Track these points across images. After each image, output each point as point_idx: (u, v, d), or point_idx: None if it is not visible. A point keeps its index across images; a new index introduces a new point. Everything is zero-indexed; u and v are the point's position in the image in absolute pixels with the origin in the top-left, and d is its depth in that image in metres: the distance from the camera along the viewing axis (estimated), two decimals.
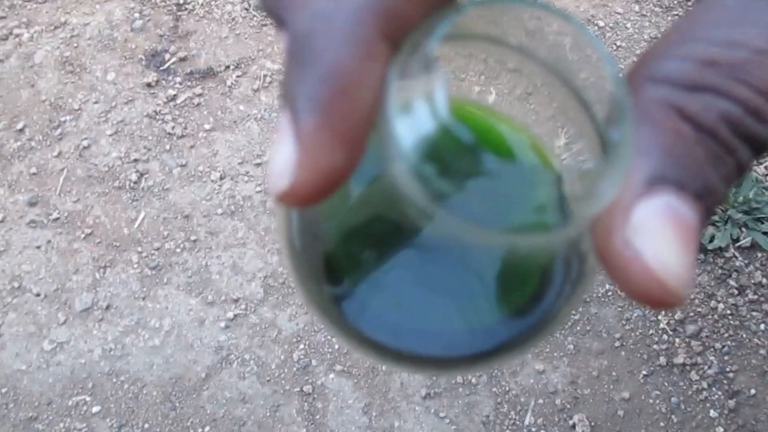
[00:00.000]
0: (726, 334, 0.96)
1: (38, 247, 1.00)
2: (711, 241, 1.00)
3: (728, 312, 0.98)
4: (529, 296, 0.16)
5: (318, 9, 0.12)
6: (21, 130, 1.07)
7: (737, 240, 1.01)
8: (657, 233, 0.13)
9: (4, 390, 0.92)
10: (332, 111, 0.12)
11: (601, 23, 1.15)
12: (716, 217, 1.01)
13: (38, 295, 0.97)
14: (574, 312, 0.17)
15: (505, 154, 0.16)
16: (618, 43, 1.16)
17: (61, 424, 0.90)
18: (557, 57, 0.14)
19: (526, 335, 0.16)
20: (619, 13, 1.16)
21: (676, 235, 0.13)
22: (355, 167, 0.12)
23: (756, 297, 0.98)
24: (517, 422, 0.91)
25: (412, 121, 0.12)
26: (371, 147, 0.13)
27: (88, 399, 0.91)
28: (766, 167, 1.05)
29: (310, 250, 0.16)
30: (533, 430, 0.91)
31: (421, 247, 0.14)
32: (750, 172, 1.02)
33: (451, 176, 0.12)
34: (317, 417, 0.91)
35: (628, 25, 1.15)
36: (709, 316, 0.97)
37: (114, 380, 0.92)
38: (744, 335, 0.96)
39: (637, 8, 1.16)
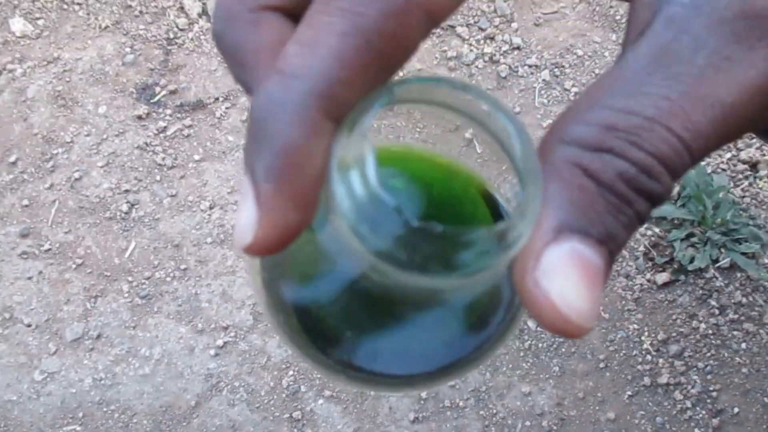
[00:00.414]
0: (708, 354, 0.98)
1: (30, 278, 1.01)
2: (691, 262, 1.02)
3: (710, 332, 0.99)
4: (467, 326, 0.19)
5: (272, 94, 0.14)
6: (14, 163, 1.09)
7: (717, 261, 1.03)
8: (561, 274, 0.15)
9: None
10: (285, 180, 0.15)
11: (580, 52, 1.19)
12: (695, 239, 1.03)
13: (29, 325, 0.98)
14: (509, 339, 0.19)
15: (440, 203, 0.19)
16: (597, 71, 1.19)
17: None
18: (484, 122, 0.16)
19: (467, 358, 0.19)
20: (597, 42, 1.20)
21: (579, 275, 0.15)
22: (308, 223, 0.15)
23: (737, 316, 1.00)
24: None
25: (349, 187, 0.14)
26: (325, 201, 0.16)
27: (78, 429, 0.92)
28: (742, 189, 1.08)
29: (275, 286, 0.19)
30: None
31: (368, 285, 0.17)
32: (727, 195, 1.05)
33: (383, 232, 0.14)
34: None
35: (606, 54, 1.19)
36: (692, 336, 0.99)
37: (104, 409, 0.93)
38: (726, 354, 0.98)
39: (614, 37, 1.20)
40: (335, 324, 0.18)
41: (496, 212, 0.19)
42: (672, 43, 0.16)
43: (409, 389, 0.19)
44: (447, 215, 0.19)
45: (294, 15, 0.17)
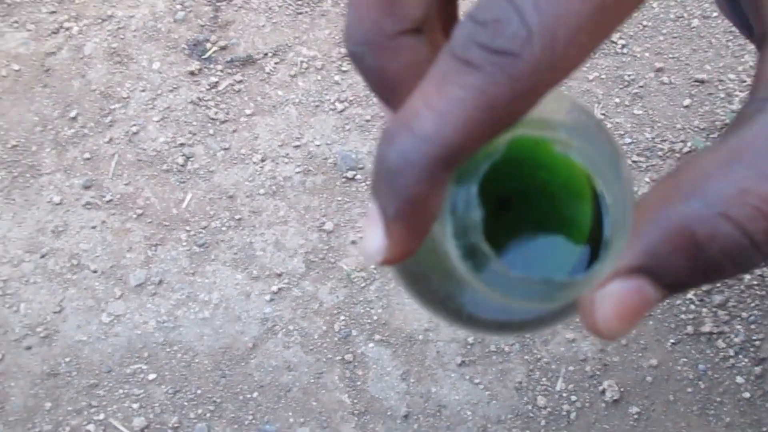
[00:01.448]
0: (752, 304, 0.99)
1: (94, 227, 1.07)
2: None
3: (755, 282, 1.00)
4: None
5: (404, 151, 0.17)
6: (74, 118, 1.14)
7: None
8: (616, 304, 0.18)
9: (67, 359, 0.99)
10: (410, 221, 0.18)
11: None
12: None
13: (95, 271, 1.04)
14: None
15: (541, 222, 0.22)
16: (644, 23, 1.18)
17: (120, 391, 0.97)
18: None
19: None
20: None
21: (631, 309, 0.18)
22: (420, 245, 0.19)
23: None
24: (549, 388, 0.95)
25: (459, 245, 0.19)
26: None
27: (144, 367, 0.98)
28: None
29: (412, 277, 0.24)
30: (564, 395, 0.95)
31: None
32: None
33: (483, 273, 0.19)
34: (358, 383, 0.96)
35: (654, 5, 1.17)
36: (736, 287, 1.00)
37: (168, 350, 0.99)
38: None
39: None
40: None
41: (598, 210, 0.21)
42: None
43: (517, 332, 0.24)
44: (551, 219, 0.22)
45: (420, 30, 0.20)
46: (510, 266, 0.18)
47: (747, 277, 1.00)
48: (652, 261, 0.17)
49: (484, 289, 0.19)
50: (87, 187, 1.09)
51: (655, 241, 0.17)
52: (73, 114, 1.14)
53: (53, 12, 1.22)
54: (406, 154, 0.17)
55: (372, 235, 0.19)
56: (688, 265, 0.17)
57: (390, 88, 0.20)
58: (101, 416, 0.96)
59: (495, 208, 0.21)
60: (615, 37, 1.15)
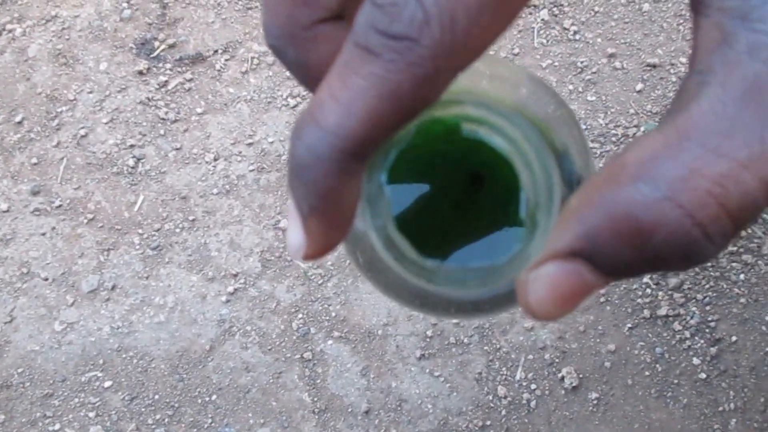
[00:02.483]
0: (707, 286, 1.00)
1: (43, 234, 1.04)
2: None
3: (709, 264, 1.01)
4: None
5: (312, 145, 0.17)
6: (20, 123, 1.11)
7: None
8: (550, 287, 0.16)
9: (20, 370, 0.96)
10: (325, 215, 0.18)
11: None
12: None
13: (46, 279, 1.02)
14: None
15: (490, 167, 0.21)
16: (596, 9, 1.18)
17: (76, 399, 0.95)
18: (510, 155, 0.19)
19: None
20: None
21: (566, 292, 0.16)
22: (344, 238, 0.19)
23: (735, 248, 1.02)
24: (509, 377, 0.96)
25: (374, 228, 0.19)
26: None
27: (99, 374, 0.96)
28: None
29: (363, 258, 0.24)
30: (524, 384, 0.95)
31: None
32: None
33: (405, 262, 0.19)
34: (318, 381, 0.95)
35: None
36: (690, 269, 1.01)
37: (123, 356, 0.97)
38: (724, 285, 1.00)
39: None
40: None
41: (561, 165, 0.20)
42: (764, 76, 0.15)
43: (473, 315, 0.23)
44: (496, 186, 0.21)
45: (341, 16, 0.19)
46: (452, 254, 0.18)
47: None
48: (591, 246, 0.16)
49: (411, 278, 0.18)
50: (35, 193, 1.07)
51: (595, 226, 0.16)
52: (18, 118, 1.11)
53: None
54: (314, 148, 0.17)
55: (292, 232, 0.18)
56: (630, 254, 0.15)
57: (315, 79, 0.19)
58: (56, 426, 0.94)
59: (468, 185, 0.20)
60: (567, 23, 1.15)
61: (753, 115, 0.15)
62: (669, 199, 0.15)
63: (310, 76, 0.19)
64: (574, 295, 0.17)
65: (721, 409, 0.94)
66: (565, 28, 1.15)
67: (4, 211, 1.06)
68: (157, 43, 1.16)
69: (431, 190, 0.21)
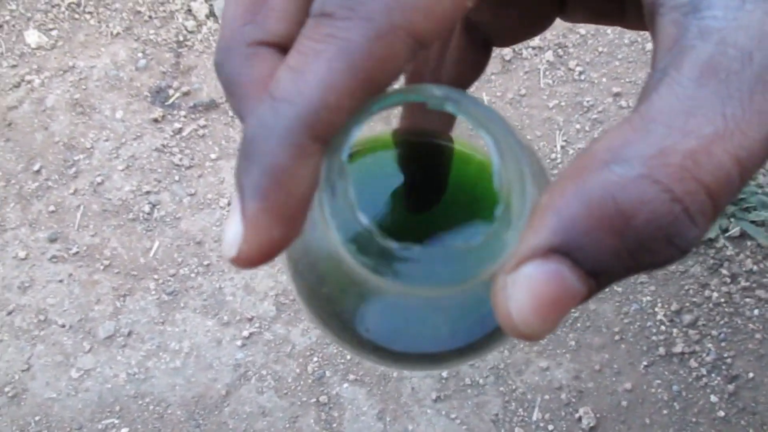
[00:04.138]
0: (722, 322, 1.00)
1: (61, 281, 1.05)
2: None
3: (722, 300, 1.01)
4: (467, 319, 0.20)
5: (262, 117, 0.16)
6: (38, 171, 1.13)
7: (726, 230, 1.05)
8: (530, 290, 0.15)
9: (37, 418, 0.97)
10: (270, 198, 0.16)
11: (583, 31, 1.20)
12: None
13: (63, 326, 1.02)
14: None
15: (446, 189, 0.20)
16: (600, 49, 1.20)
17: None
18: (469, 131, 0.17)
19: (481, 343, 0.20)
20: None
21: (549, 298, 0.15)
22: (293, 238, 0.16)
23: (748, 284, 1.02)
24: (526, 419, 0.95)
25: (332, 211, 0.16)
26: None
27: (116, 422, 0.96)
28: None
29: (301, 276, 0.21)
30: (541, 425, 0.95)
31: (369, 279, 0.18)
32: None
33: (366, 252, 0.16)
34: (334, 425, 0.95)
35: (608, 31, 1.20)
36: (704, 306, 1.01)
37: (140, 402, 0.97)
38: (739, 321, 1.00)
39: None
40: (348, 312, 0.20)
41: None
42: (717, 56, 0.15)
43: (413, 368, 0.21)
44: (453, 204, 0.20)
45: (287, 50, 0.18)
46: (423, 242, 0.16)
47: (714, 295, 1.01)
48: (570, 238, 0.15)
49: (378, 279, 0.16)
50: (52, 241, 1.08)
51: (572, 216, 0.15)
52: (36, 167, 1.13)
53: (14, 66, 1.22)
54: (265, 120, 0.15)
55: (230, 224, 0.16)
56: (612, 243, 0.15)
57: (239, 97, 0.18)
58: None
59: (436, 165, 0.19)
60: (572, 64, 1.17)
61: (712, 93, 0.15)
62: (646, 176, 0.14)
63: (236, 92, 0.18)
64: (558, 302, 0.15)
65: None
66: (570, 69, 1.18)
67: (23, 259, 1.07)
68: (171, 91, 1.18)
69: (397, 174, 0.20)
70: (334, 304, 0.20)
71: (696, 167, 0.14)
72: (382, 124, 0.22)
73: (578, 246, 0.15)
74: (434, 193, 0.21)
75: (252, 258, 0.16)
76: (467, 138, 0.20)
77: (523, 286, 0.15)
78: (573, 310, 1.01)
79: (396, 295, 0.18)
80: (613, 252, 0.15)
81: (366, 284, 0.18)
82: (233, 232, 0.16)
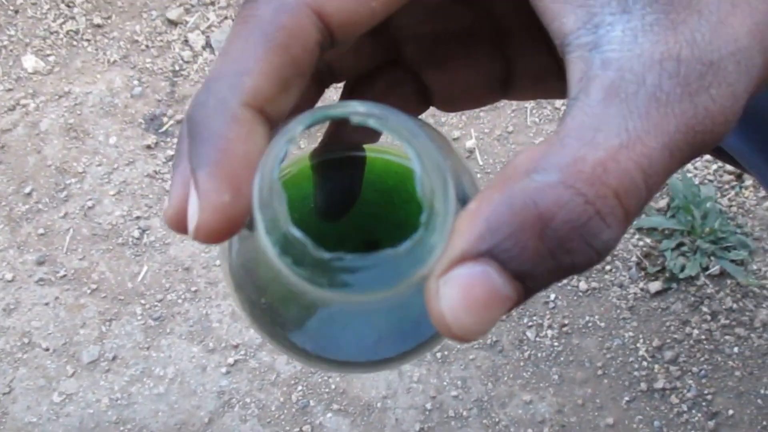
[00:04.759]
0: (702, 359, 1.02)
1: (47, 304, 1.05)
2: (682, 270, 1.06)
3: (703, 337, 1.03)
4: (402, 325, 0.21)
5: (199, 98, 0.18)
6: (29, 194, 1.14)
7: (707, 268, 1.07)
8: (460, 289, 0.16)
9: None
10: (214, 163, 0.17)
11: None
12: (686, 248, 1.07)
13: (47, 349, 1.02)
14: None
15: (381, 207, 0.21)
16: None
17: None
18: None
19: (413, 350, 0.21)
20: None
21: (476, 295, 0.16)
22: (244, 206, 0.17)
23: (728, 322, 1.04)
24: None
25: (265, 221, 0.17)
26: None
27: None
28: (729, 199, 1.12)
29: (239, 283, 0.22)
30: None
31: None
32: (714, 205, 1.09)
33: (298, 261, 0.17)
34: None
35: None
36: (685, 342, 1.03)
37: (121, 428, 0.97)
38: (719, 358, 1.02)
39: None
40: (283, 320, 0.21)
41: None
42: (618, 81, 0.17)
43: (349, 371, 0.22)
44: (383, 211, 0.21)
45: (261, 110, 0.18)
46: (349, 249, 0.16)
47: (695, 332, 1.03)
48: (496, 241, 0.16)
49: (313, 289, 0.16)
50: (40, 263, 1.08)
51: (497, 220, 0.16)
52: (27, 190, 1.14)
53: (10, 89, 1.23)
54: (200, 99, 0.17)
55: (190, 206, 0.17)
56: (534, 245, 0.16)
57: (200, 140, 0.18)
58: None
59: (358, 175, 0.20)
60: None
61: (616, 112, 0.17)
62: (562, 182, 0.16)
63: (201, 136, 0.18)
64: (487, 301, 0.16)
65: None
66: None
67: (9, 281, 1.07)
68: (165, 119, 1.20)
69: (323, 183, 0.21)
70: (275, 316, 0.21)
71: (605, 174, 0.16)
72: (314, 142, 0.23)
73: (504, 248, 0.16)
74: (348, 202, 0.22)
75: (209, 226, 0.17)
76: (400, 149, 0.22)
77: (454, 288, 0.16)
78: (550, 340, 1.02)
79: (332, 303, 0.19)
80: (536, 253, 0.16)
81: (303, 295, 0.18)
82: (192, 209, 0.17)
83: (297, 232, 0.16)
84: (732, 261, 1.06)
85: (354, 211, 0.22)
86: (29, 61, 1.25)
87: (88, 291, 1.06)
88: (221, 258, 0.22)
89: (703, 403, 0.98)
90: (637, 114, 0.17)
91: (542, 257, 0.16)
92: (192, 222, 0.17)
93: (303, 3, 0.18)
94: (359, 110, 0.17)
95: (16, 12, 1.28)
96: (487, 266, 0.16)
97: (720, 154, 0.49)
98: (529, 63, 0.25)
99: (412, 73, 0.25)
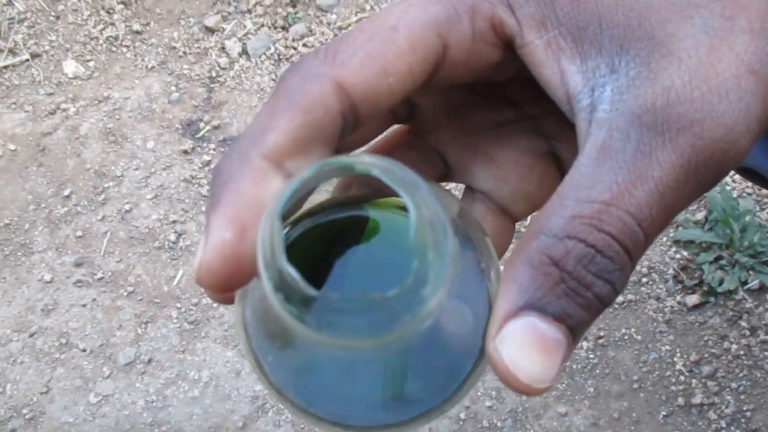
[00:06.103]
0: (741, 374, 1.00)
1: (84, 305, 1.06)
2: (720, 284, 1.05)
3: (741, 352, 1.01)
4: (412, 376, 0.21)
5: (226, 152, 0.20)
6: (68, 197, 1.16)
7: (745, 282, 1.05)
8: (515, 342, 0.19)
9: None
10: (221, 203, 0.18)
11: None
12: (724, 261, 1.06)
13: (84, 350, 1.03)
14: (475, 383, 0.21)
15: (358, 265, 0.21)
16: None
17: None
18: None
19: (428, 409, 0.21)
20: None
21: (531, 343, 0.19)
22: (245, 248, 0.18)
23: (767, 337, 1.02)
24: None
25: (265, 266, 0.17)
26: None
27: None
28: None
29: (250, 336, 0.22)
30: None
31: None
32: (753, 219, 1.07)
33: (298, 307, 0.17)
34: None
35: None
36: (723, 357, 1.01)
37: (156, 430, 0.97)
38: (758, 374, 1.00)
39: None
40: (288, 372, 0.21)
41: None
42: (608, 140, 0.20)
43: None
44: (385, 260, 0.21)
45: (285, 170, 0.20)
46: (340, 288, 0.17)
47: (733, 347, 1.02)
48: (529, 295, 0.19)
49: (299, 328, 0.16)
50: (78, 265, 1.10)
51: (525, 278, 0.19)
52: (66, 192, 1.16)
53: (51, 94, 1.25)
54: (229, 153, 0.20)
55: (196, 255, 0.18)
56: (560, 290, 0.19)
57: (221, 185, 0.19)
58: None
59: (355, 220, 0.21)
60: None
61: (606, 169, 0.19)
62: (566, 235, 0.19)
63: (222, 181, 0.19)
64: (541, 346, 0.19)
65: None
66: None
67: (48, 282, 1.09)
68: (202, 125, 1.21)
69: (320, 226, 0.21)
70: (266, 354, 0.21)
71: (600, 223, 0.19)
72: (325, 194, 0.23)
73: (537, 298, 0.19)
74: (349, 255, 0.22)
75: (210, 264, 0.18)
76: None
77: (508, 343, 0.19)
78: (583, 360, 1.01)
79: (323, 349, 0.19)
80: (563, 293, 0.19)
81: (297, 339, 0.19)
82: (199, 249, 0.18)
83: (289, 268, 0.16)
84: None
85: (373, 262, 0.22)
86: (70, 66, 1.27)
87: (125, 293, 1.07)
88: (236, 316, 0.22)
89: (742, 420, 0.97)
90: (625, 168, 0.19)
91: (569, 296, 0.19)
92: (196, 262, 0.18)
93: (326, 74, 0.20)
94: (365, 160, 0.18)
95: (57, 18, 1.30)
96: (529, 317, 0.19)
97: (751, 175, 0.49)
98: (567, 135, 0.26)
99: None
